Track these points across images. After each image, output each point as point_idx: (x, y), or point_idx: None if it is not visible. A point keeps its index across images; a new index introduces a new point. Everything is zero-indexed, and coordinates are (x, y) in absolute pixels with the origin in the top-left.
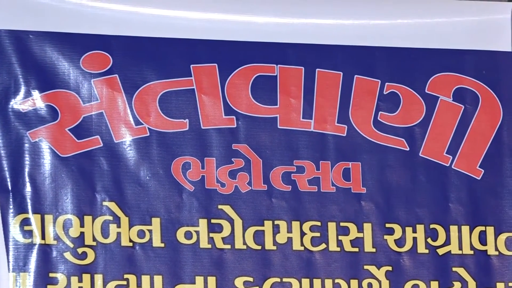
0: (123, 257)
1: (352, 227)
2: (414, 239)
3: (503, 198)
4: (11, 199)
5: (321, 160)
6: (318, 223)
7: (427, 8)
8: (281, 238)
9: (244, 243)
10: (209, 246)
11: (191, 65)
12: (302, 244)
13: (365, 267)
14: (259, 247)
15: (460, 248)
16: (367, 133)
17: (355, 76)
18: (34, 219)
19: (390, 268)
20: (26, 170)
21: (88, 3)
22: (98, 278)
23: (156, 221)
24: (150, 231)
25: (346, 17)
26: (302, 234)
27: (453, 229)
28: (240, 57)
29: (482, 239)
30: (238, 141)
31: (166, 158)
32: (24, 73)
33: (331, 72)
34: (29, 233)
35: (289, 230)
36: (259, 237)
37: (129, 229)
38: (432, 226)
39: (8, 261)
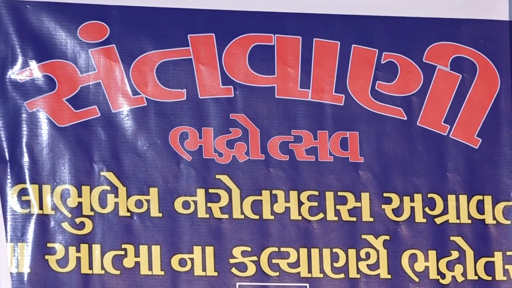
0: (121, 227)
1: (349, 196)
2: (412, 208)
3: (501, 167)
4: (8, 170)
5: (318, 129)
6: (316, 193)
7: None
8: (279, 208)
9: (242, 213)
10: (207, 216)
11: (189, 35)
12: (300, 214)
13: (363, 236)
14: (257, 217)
15: (458, 217)
16: (365, 103)
17: (353, 45)
18: (31, 189)
19: (387, 237)
20: (24, 140)
21: None
22: (96, 248)
23: (153, 191)
24: (148, 201)
25: None
26: (300, 203)
27: (451, 198)
28: (237, 27)
29: (480, 208)
30: (235, 111)
31: (164, 128)
32: (21, 43)
33: (329, 42)
34: (27, 203)
35: (287, 199)
36: (256, 206)
37: (127, 199)
38: (429, 195)
39: (6, 232)
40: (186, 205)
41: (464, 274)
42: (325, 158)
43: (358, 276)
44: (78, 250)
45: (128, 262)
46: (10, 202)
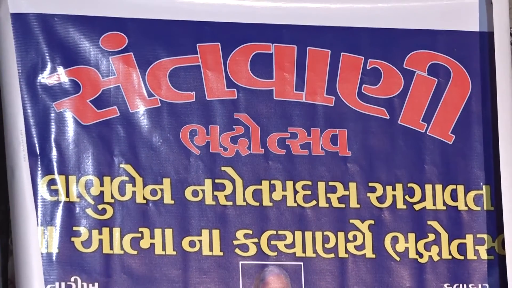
0: (138, 212)
1: (339, 186)
2: (394, 196)
3: (472, 160)
4: (39, 162)
5: (311, 127)
6: (309, 183)
7: None
8: (277, 196)
9: (244, 200)
10: (214, 203)
11: (197, 44)
12: (295, 201)
13: (351, 221)
14: (257, 204)
15: (434, 204)
16: (352, 103)
17: (342, 53)
18: (59, 179)
19: (372, 222)
20: (52, 136)
21: None
22: (116, 231)
23: (166, 181)
24: (161, 189)
25: (334, 2)
26: (295, 192)
27: (428, 187)
28: (240, 37)
29: (453, 196)
30: (238, 111)
31: (175, 126)
32: (50, 52)
33: (321, 50)
34: (55, 192)
35: (284, 188)
36: (257, 195)
37: (143, 188)
38: (409, 185)
39: (37, 217)
40: (195, 193)
41: (439, 254)
42: (318, 152)
43: (346, 255)
44: (100, 233)
45: (144, 243)
46: (40, 191)
